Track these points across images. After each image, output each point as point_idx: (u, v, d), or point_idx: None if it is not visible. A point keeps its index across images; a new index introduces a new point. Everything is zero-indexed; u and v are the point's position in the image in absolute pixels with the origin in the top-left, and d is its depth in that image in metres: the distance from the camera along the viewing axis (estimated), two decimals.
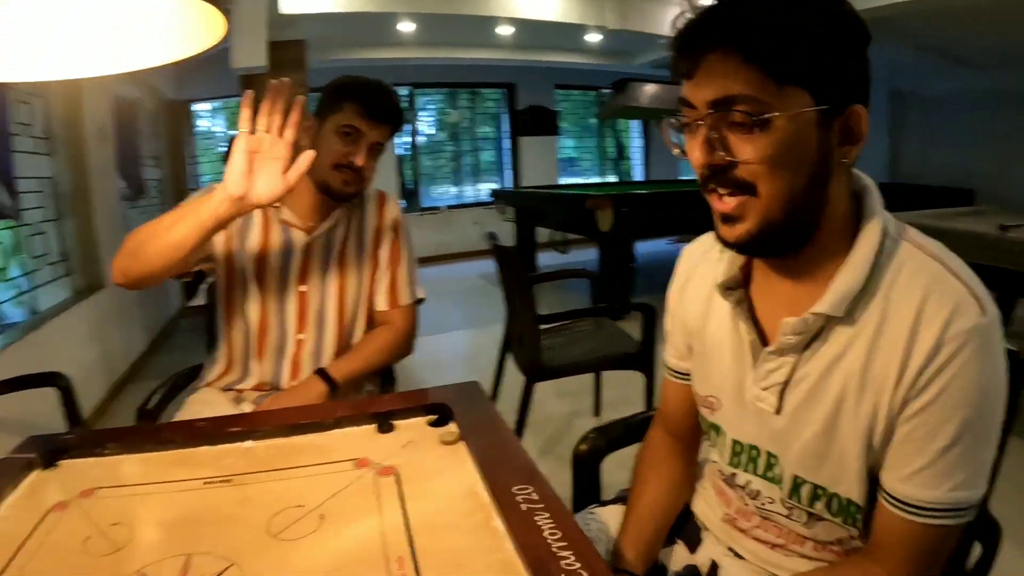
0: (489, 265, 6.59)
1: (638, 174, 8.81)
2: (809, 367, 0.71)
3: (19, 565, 0.68)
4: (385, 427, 1.03)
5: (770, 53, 0.60)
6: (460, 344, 4.09)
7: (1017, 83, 5.18)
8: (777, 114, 0.61)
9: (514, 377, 2.46)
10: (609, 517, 0.94)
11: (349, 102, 1.27)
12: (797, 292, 0.72)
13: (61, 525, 0.76)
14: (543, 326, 2.35)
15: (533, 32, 5.74)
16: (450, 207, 7.61)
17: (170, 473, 0.88)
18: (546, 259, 6.44)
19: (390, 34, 5.62)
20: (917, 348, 0.63)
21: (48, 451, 0.91)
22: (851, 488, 0.71)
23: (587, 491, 1.06)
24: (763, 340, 0.76)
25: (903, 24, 4.50)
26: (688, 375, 0.92)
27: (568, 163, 8.42)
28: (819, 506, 0.74)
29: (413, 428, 1.03)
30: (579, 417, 2.83)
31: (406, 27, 5.42)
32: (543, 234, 6.35)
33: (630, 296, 4.55)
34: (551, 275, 2.88)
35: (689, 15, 0.64)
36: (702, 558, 0.89)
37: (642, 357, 2.27)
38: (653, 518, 0.87)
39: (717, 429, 0.84)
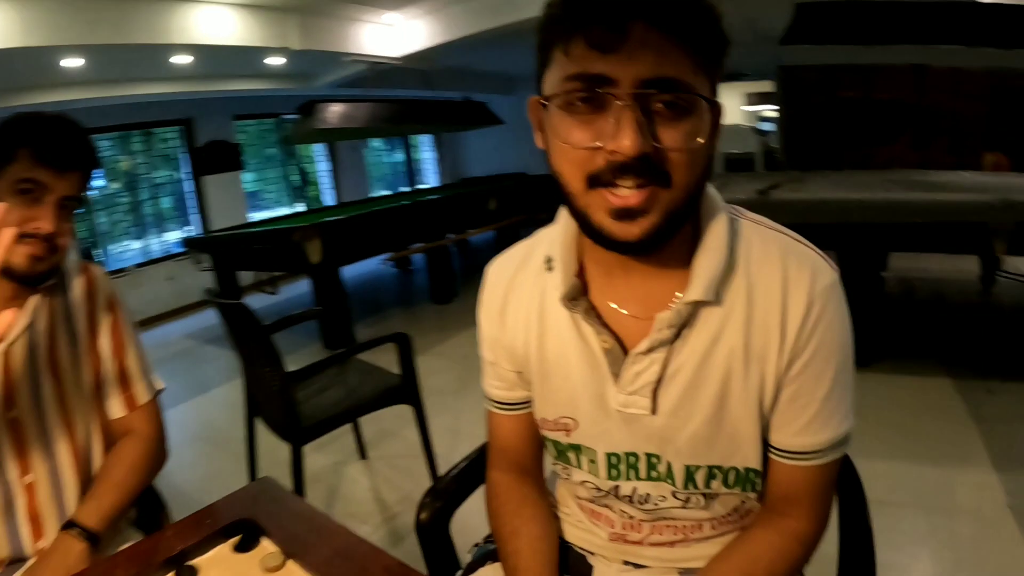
0: (193, 323, 5.84)
1: (328, 199, 8.56)
2: (683, 358, 0.70)
3: None
4: (185, 573, 0.81)
5: (701, 37, 0.58)
6: (194, 418, 3.47)
7: None
8: (710, 101, 0.60)
9: (269, 442, 2.19)
10: None
11: (23, 148, 0.94)
12: (648, 287, 0.71)
13: None
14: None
15: (212, 59, 5.16)
16: (138, 265, 6.45)
17: None
18: (254, 303, 5.87)
19: (53, 72, 4.49)
20: (791, 312, 0.68)
21: None
22: (748, 457, 0.73)
23: (444, 561, 0.97)
24: (620, 344, 0.73)
25: None
26: (519, 404, 0.87)
27: (252, 197, 7.81)
28: (716, 484, 0.75)
29: (221, 564, 0.83)
30: (347, 465, 2.64)
31: (72, 63, 4.40)
32: (245, 277, 5.81)
33: (351, 326, 4.40)
34: (283, 322, 2.61)
35: None
36: None
37: (406, 389, 2.20)
38: (543, 566, 0.80)
39: (579, 449, 0.80)
